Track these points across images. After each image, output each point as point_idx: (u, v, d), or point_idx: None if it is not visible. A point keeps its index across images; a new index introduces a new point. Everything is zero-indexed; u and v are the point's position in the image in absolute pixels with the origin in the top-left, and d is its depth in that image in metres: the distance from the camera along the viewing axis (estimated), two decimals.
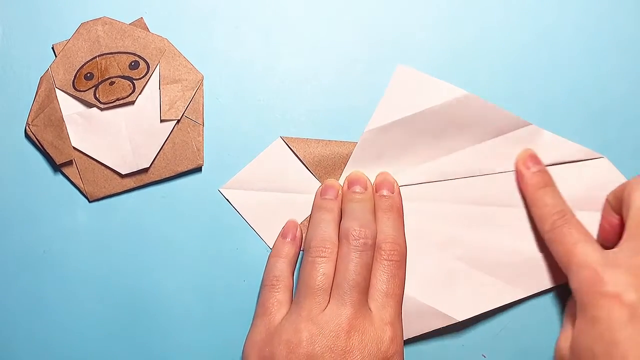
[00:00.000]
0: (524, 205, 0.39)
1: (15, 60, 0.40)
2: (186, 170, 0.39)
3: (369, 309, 0.35)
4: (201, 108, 0.39)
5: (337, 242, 0.36)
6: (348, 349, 0.34)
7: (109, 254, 0.40)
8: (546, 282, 0.39)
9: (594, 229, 0.39)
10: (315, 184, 0.40)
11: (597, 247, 0.35)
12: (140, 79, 0.39)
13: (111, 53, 0.39)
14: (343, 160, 0.39)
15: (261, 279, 0.39)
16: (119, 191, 0.40)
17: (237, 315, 0.40)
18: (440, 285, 0.39)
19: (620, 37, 0.40)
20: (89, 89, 0.39)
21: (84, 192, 0.40)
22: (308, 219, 0.39)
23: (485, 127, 0.39)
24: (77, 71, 0.39)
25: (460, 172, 0.39)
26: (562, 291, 0.40)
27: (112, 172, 0.39)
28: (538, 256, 0.39)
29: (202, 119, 0.39)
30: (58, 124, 0.39)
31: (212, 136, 0.40)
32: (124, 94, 0.39)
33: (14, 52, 0.40)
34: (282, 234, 0.39)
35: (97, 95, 0.39)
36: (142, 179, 0.39)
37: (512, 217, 0.39)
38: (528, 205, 0.39)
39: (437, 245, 0.39)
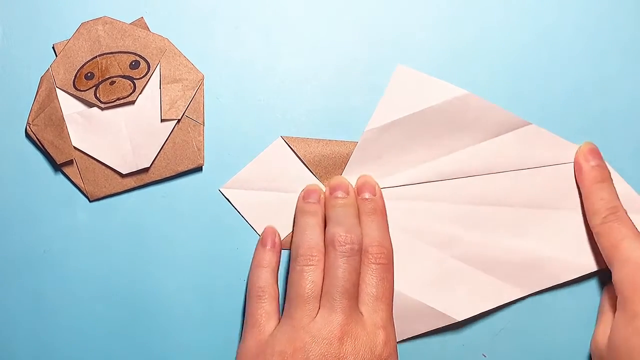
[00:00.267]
0: (523, 205, 0.39)
1: (15, 60, 0.40)
2: (187, 169, 0.39)
3: (360, 313, 0.35)
4: (202, 108, 0.39)
5: (323, 249, 0.36)
6: (342, 355, 0.34)
7: (109, 254, 0.40)
8: (546, 281, 0.39)
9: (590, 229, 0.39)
10: (316, 184, 0.40)
11: None
12: (140, 78, 0.39)
13: (112, 53, 0.39)
14: (343, 160, 0.39)
15: (247, 290, 0.38)
16: (120, 191, 0.40)
17: (237, 315, 0.40)
18: (440, 285, 0.39)
19: (620, 38, 0.40)
20: (89, 89, 0.39)
21: (85, 192, 0.40)
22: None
23: (485, 127, 0.39)
24: (78, 71, 0.39)
25: (459, 172, 0.39)
26: (562, 290, 0.40)
27: (112, 172, 0.39)
28: (537, 255, 0.39)
29: (202, 119, 0.39)
30: (58, 123, 0.39)
31: (212, 136, 0.40)
32: (125, 94, 0.39)
33: (14, 52, 0.40)
34: (262, 242, 0.39)
35: (98, 95, 0.39)
36: (142, 179, 0.39)
37: (512, 217, 0.39)
38: (583, 198, 0.39)
39: (437, 245, 0.39)
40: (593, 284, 0.40)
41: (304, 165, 0.39)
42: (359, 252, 0.36)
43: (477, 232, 0.39)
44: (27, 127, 0.39)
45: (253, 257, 0.39)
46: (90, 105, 0.39)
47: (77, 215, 0.40)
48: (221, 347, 0.40)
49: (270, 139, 0.40)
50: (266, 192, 0.40)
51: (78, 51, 0.39)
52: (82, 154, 0.39)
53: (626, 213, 0.37)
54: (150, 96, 0.39)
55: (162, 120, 0.39)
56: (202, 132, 0.39)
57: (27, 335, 0.40)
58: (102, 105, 0.39)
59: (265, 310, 0.37)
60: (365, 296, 0.36)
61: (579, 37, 0.40)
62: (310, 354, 0.34)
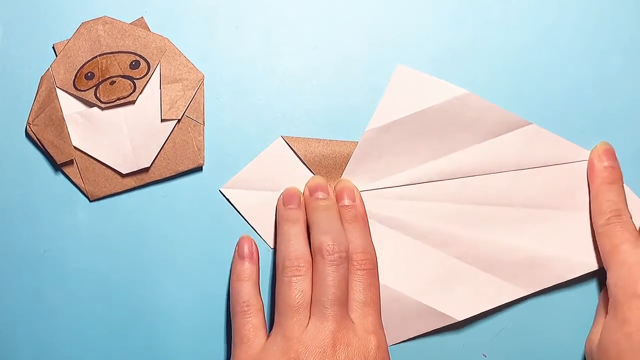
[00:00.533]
0: (523, 205, 0.39)
1: (15, 60, 0.40)
2: (187, 169, 0.39)
3: (351, 320, 0.35)
4: (202, 107, 0.39)
5: (310, 258, 0.36)
6: None
7: (109, 254, 0.40)
8: (546, 281, 0.39)
9: (591, 229, 0.39)
10: None
11: None
12: (140, 78, 0.39)
13: (112, 52, 0.39)
14: (344, 160, 0.39)
15: (230, 305, 0.38)
16: (120, 191, 0.40)
17: None
18: (440, 285, 0.39)
19: (620, 37, 0.40)
20: (89, 89, 0.39)
21: (85, 192, 0.40)
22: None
23: (485, 127, 0.39)
24: (78, 71, 0.39)
25: (460, 172, 0.39)
26: (562, 290, 0.40)
27: (112, 172, 0.39)
28: (538, 255, 0.39)
29: (202, 119, 0.39)
30: (59, 123, 0.39)
31: (212, 136, 0.40)
32: (125, 94, 0.39)
33: (14, 52, 0.40)
34: (239, 255, 0.38)
35: (98, 95, 0.39)
36: (142, 179, 0.39)
37: (512, 217, 0.39)
38: (591, 197, 0.39)
39: (437, 245, 0.39)
40: (593, 284, 0.40)
41: (304, 165, 0.39)
42: (347, 260, 0.36)
43: (477, 232, 0.39)
44: (27, 127, 0.39)
45: (232, 271, 0.38)
46: (90, 105, 0.39)
47: (77, 215, 0.40)
48: (221, 347, 0.40)
49: (270, 139, 0.40)
50: (266, 192, 0.40)
51: (78, 51, 0.39)
52: (82, 154, 0.39)
53: (631, 218, 0.37)
54: (150, 96, 0.39)
55: (162, 120, 0.39)
56: (202, 132, 0.39)
57: (27, 335, 0.40)
58: (102, 105, 0.39)
59: (253, 325, 0.36)
60: (353, 303, 0.36)
61: (579, 37, 0.40)
62: None
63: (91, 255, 0.40)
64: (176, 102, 0.39)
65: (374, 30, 0.40)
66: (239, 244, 0.39)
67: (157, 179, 0.39)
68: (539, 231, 0.39)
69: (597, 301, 0.40)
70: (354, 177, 0.39)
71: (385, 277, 0.39)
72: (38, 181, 0.40)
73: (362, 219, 0.38)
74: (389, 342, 0.39)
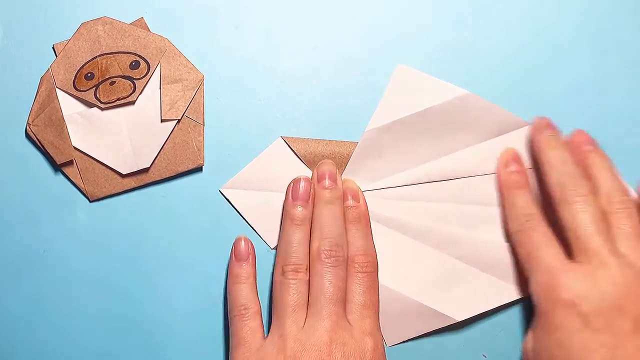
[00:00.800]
0: None
1: (15, 60, 0.40)
2: (187, 170, 0.39)
3: (348, 321, 0.35)
4: (202, 108, 0.39)
5: (308, 261, 0.37)
6: None
7: (109, 254, 0.40)
8: None
9: None
10: None
11: (559, 253, 0.35)
12: (140, 78, 0.39)
13: (112, 53, 0.39)
14: (343, 160, 0.39)
15: (228, 308, 0.38)
16: (120, 191, 0.40)
17: None
18: (440, 285, 0.39)
19: (620, 37, 0.40)
20: (89, 89, 0.39)
21: (85, 192, 0.40)
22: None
23: (485, 127, 0.39)
24: (78, 71, 0.39)
25: (460, 172, 0.39)
26: None
27: (112, 172, 0.39)
28: None
29: (202, 119, 0.39)
30: (58, 123, 0.39)
31: (212, 136, 0.40)
32: (125, 94, 0.39)
33: (14, 52, 0.40)
34: (236, 257, 0.38)
35: (98, 95, 0.39)
36: (142, 179, 0.39)
37: None
38: (502, 204, 0.39)
39: (437, 245, 0.39)
40: None
41: (304, 166, 0.39)
42: (344, 262, 0.36)
43: (477, 232, 0.39)
44: (27, 127, 0.39)
45: (229, 273, 0.38)
46: (90, 105, 0.39)
47: (77, 215, 0.40)
48: (221, 347, 0.40)
49: (270, 139, 0.40)
50: (266, 192, 0.40)
51: (78, 51, 0.39)
52: (82, 154, 0.39)
53: (543, 220, 0.36)
54: (150, 96, 0.39)
55: (162, 121, 0.39)
56: (202, 132, 0.39)
57: (27, 335, 0.40)
58: (102, 106, 0.39)
59: (250, 327, 0.36)
60: (352, 305, 0.36)
61: (579, 37, 0.40)
62: None
63: (91, 256, 0.40)
64: (176, 102, 0.39)
65: (374, 30, 0.40)
66: (235, 245, 0.39)
67: (157, 179, 0.39)
68: None
69: None
70: (354, 177, 0.39)
71: (385, 278, 0.39)
72: (38, 181, 0.40)
73: (365, 220, 0.38)
74: (389, 343, 0.39)
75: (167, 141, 0.39)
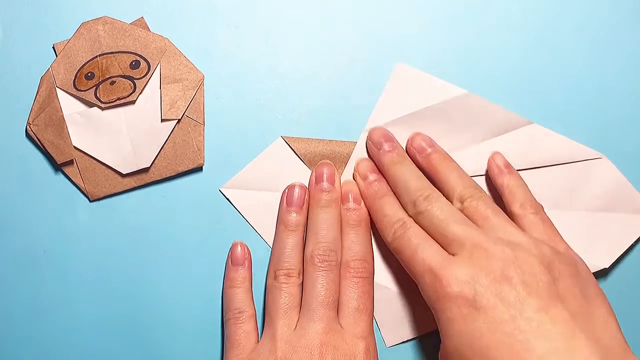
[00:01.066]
0: None
1: (15, 60, 0.40)
2: (187, 169, 0.39)
3: (340, 325, 0.36)
4: (202, 108, 0.39)
5: (302, 266, 0.37)
6: None
7: (109, 254, 0.40)
8: None
9: (592, 229, 0.39)
10: None
11: (439, 250, 0.34)
12: (141, 78, 0.39)
13: (112, 52, 0.39)
14: (343, 160, 0.39)
15: (223, 311, 0.39)
16: (120, 191, 0.40)
17: None
18: None
19: (620, 37, 0.40)
20: (89, 89, 0.39)
21: (85, 192, 0.40)
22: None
23: (485, 127, 0.39)
24: (78, 71, 0.39)
25: None
26: None
27: (112, 172, 0.39)
28: None
29: (202, 119, 0.39)
30: (59, 123, 0.39)
31: (212, 136, 0.40)
32: (125, 94, 0.39)
33: (14, 52, 0.40)
34: (232, 261, 0.39)
35: (98, 95, 0.39)
36: (142, 179, 0.39)
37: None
38: (373, 218, 0.38)
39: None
40: None
41: (304, 165, 0.39)
42: (338, 266, 0.37)
43: None
44: (27, 127, 0.39)
45: (225, 277, 0.39)
46: (90, 105, 0.39)
47: (77, 215, 0.40)
48: (220, 347, 0.40)
49: (270, 138, 0.40)
50: (266, 192, 0.40)
51: (78, 51, 0.39)
52: (82, 154, 0.39)
53: (414, 222, 0.36)
54: (150, 96, 0.39)
55: (162, 120, 0.39)
56: (202, 132, 0.39)
57: (27, 335, 0.40)
58: (103, 105, 0.39)
59: (244, 331, 0.37)
60: (346, 309, 0.36)
61: (579, 37, 0.40)
62: None
63: (91, 255, 0.40)
64: (176, 102, 0.39)
65: (374, 30, 0.40)
66: (231, 250, 0.39)
67: (157, 179, 0.39)
68: None
69: None
70: None
71: (384, 278, 0.39)
72: (38, 181, 0.40)
73: (365, 224, 0.38)
74: (389, 343, 0.39)
75: (167, 141, 0.39)
